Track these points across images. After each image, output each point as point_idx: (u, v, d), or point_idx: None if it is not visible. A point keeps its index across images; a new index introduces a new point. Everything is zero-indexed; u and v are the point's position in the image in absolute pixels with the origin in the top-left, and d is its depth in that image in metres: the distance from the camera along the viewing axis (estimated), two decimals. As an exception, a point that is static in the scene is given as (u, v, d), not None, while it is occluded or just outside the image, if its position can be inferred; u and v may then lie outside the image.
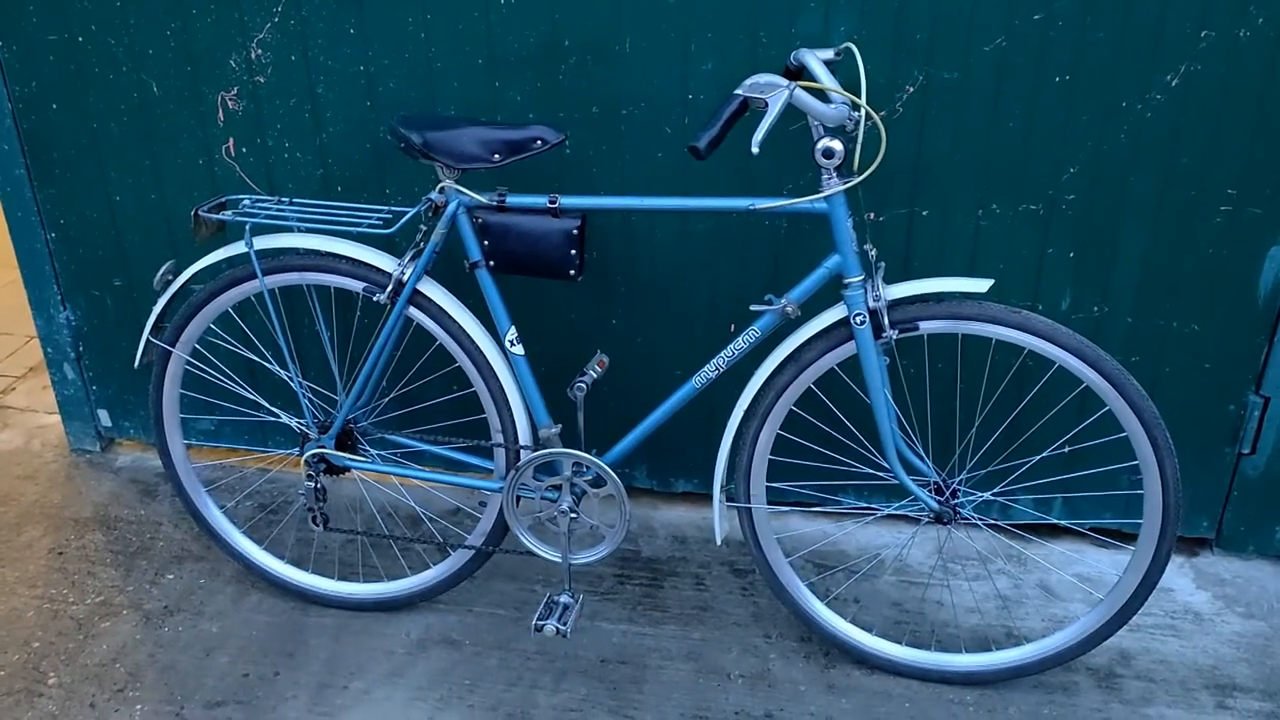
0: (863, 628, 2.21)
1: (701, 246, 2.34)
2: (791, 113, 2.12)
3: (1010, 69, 2.08)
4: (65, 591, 2.45)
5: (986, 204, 2.22)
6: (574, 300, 2.40)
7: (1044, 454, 2.07)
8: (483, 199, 1.99)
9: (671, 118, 2.23)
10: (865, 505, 2.44)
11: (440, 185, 2.00)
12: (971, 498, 2.07)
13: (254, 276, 2.10)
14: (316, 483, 2.20)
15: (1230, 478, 2.40)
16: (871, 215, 2.25)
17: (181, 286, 2.17)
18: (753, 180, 2.24)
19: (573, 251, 1.98)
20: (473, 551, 2.25)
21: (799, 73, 1.92)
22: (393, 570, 2.38)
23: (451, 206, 2.00)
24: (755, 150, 1.64)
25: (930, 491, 2.05)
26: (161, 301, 2.18)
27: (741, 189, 2.24)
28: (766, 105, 1.66)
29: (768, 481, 2.12)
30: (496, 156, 1.94)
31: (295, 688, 2.17)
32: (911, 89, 2.12)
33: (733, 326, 2.39)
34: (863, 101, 1.76)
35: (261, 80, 2.36)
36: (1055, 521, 2.47)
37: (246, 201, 2.13)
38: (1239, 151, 2.08)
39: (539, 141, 1.93)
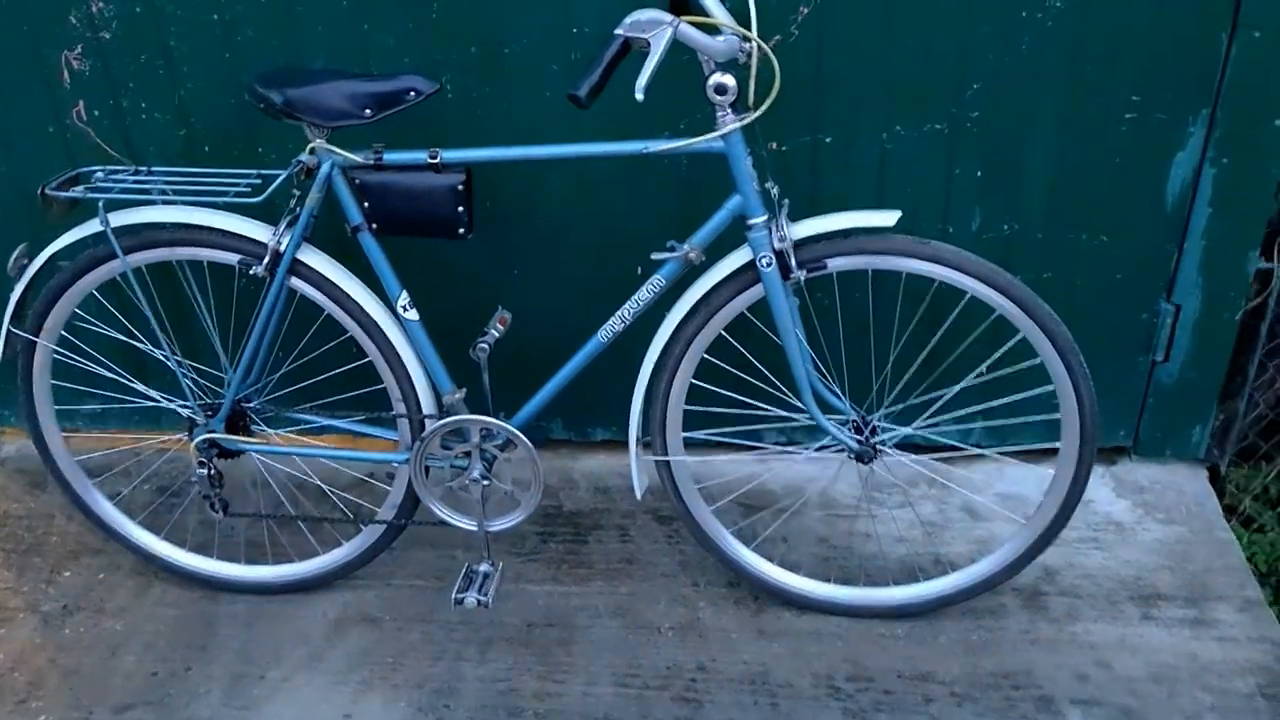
0: (791, 568, 2.18)
1: (601, 189, 2.23)
2: (680, 45, 2.00)
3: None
4: (-47, 600, 2.31)
5: (890, 126, 2.13)
6: (469, 256, 2.28)
7: (962, 384, 2.03)
8: (358, 158, 1.85)
9: (557, 54, 2.09)
10: (788, 446, 2.38)
11: (310, 146, 1.85)
12: (892, 433, 2.02)
13: (116, 256, 1.94)
14: (210, 469, 2.08)
15: (1145, 386, 2.39)
16: (774, 145, 2.15)
17: (42, 269, 2.00)
18: (650, 117, 2.11)
19: (459, 209, 1.86)
20: (385, 526, 2.16)
21: (684, 2, 1.79)
22: (304, 549, 2.28)
23: (324, 168, 1.86)
24: (640, 96, 1.53)
25: (850, 430, 2.00)
26: (18, 289, 2.01)
27: (638, 127, 2.12)
28: (649, 46, 1.54)
29: (686, 430, 2.06)
30: (368, 112, 1.79)
31: (209, 682, 2.07)
32: (806, 10, 2.01)
33: (640, 270, 2.29)
34: (753, 34, 1.65)
35: (106, 36, 2.16)
36: (977, 451, 2.46)
37: (100, 173, 1.96)
38: (1141, 57, 2.02)
39: (412, 93, 1.79)
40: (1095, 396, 1.87)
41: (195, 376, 2.09)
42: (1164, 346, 2.32)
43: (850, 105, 2.11)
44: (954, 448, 2.36)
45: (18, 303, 2.01)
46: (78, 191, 1.89)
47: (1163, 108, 2.07)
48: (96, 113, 2.25)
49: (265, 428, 2.12)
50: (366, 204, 1.88)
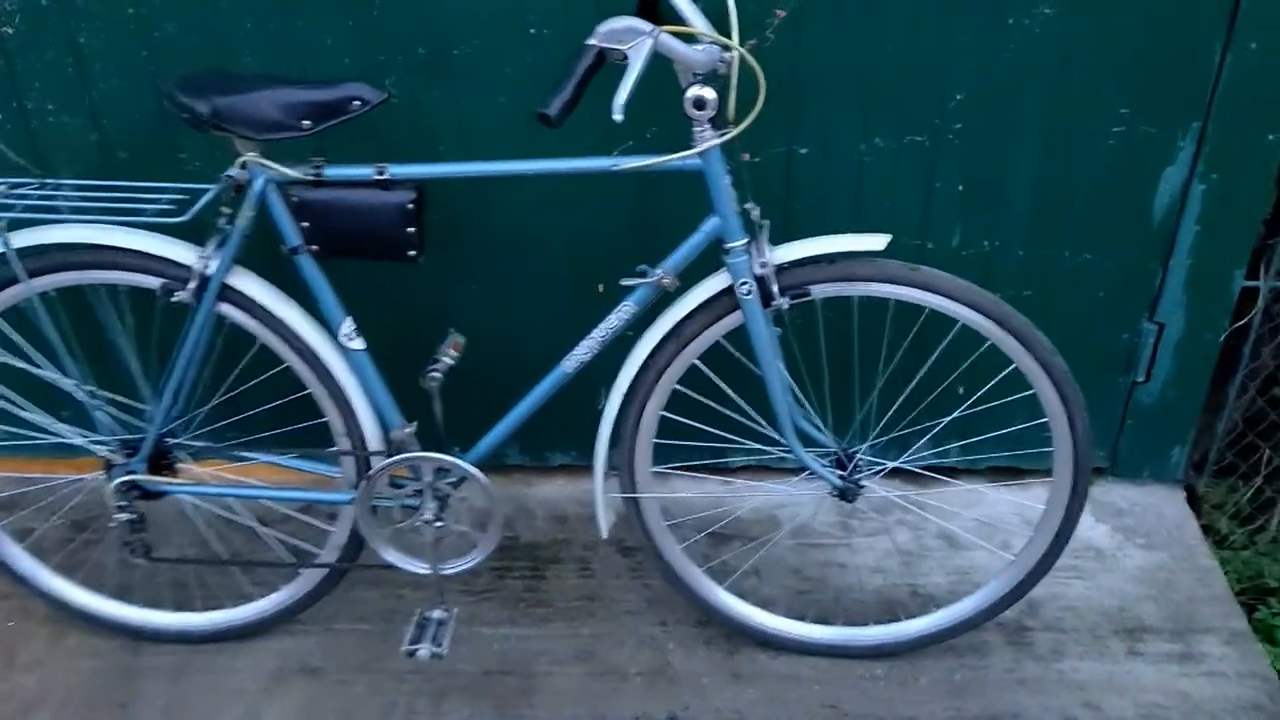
0: (764, 604, 2.06)
1: (564, 198, 2.06)
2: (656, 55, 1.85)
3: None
4: None
5: (869, 138, 2.01)
6: (419, 273, 2.10)
7: (951, 416, 1.92)
8: (295, 174, 1.67)
9: (511, 56, 1.93)
10: (763, 480, 2.24)
11: (240, 159, 1.66)
12: (876, 468, 1.90)
13: (18, 280, 1.73)
14: (130, 512, 1.88)
15: (1124, 406, 2.31)
16: (747, 156, 2.00)
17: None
18: (612, 125, 1.96)
19: (409, 229, 1.69)
20: (326, 570, 1.99)
21: (654, 4, 1.64)
22: (237, 593, 2.09)
23: (257, 184, 1.67)
24: (618, 117, 1.37)
25: (832, 464, 1.88)
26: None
27: (601, 137, 1.96)
28: (626, 58, 1.39)
29: (656, 461, 1.91)
30: (306, 123, 1.61)
31: (132, 748, 1.89)
32: (783, 13, 1.87)
33: (600, 287, 2.13)
34: (734, 43, 1.50)
35: (9, 31, 1.94)
36: (955, 464, 2.36)
37: (1, 186, 1.75)
38: (1131, 68, 1.92)
39: (357, 102, 1.61)
40: (1091, 431, 1.77)
41: (113, 410, 1.89)
42: (1145, 367, 2.24)
43: (827, 115, 1.98)
44: (930, 473, 2.26)
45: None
46: (-27, 211, 1.68)
47: (1152, 120, 1.97)
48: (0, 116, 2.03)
49: (192, 465, 1.93)
50: (305, 224, 1.70)
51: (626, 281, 1.71)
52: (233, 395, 2.01)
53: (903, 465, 1.98)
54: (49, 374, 1.86)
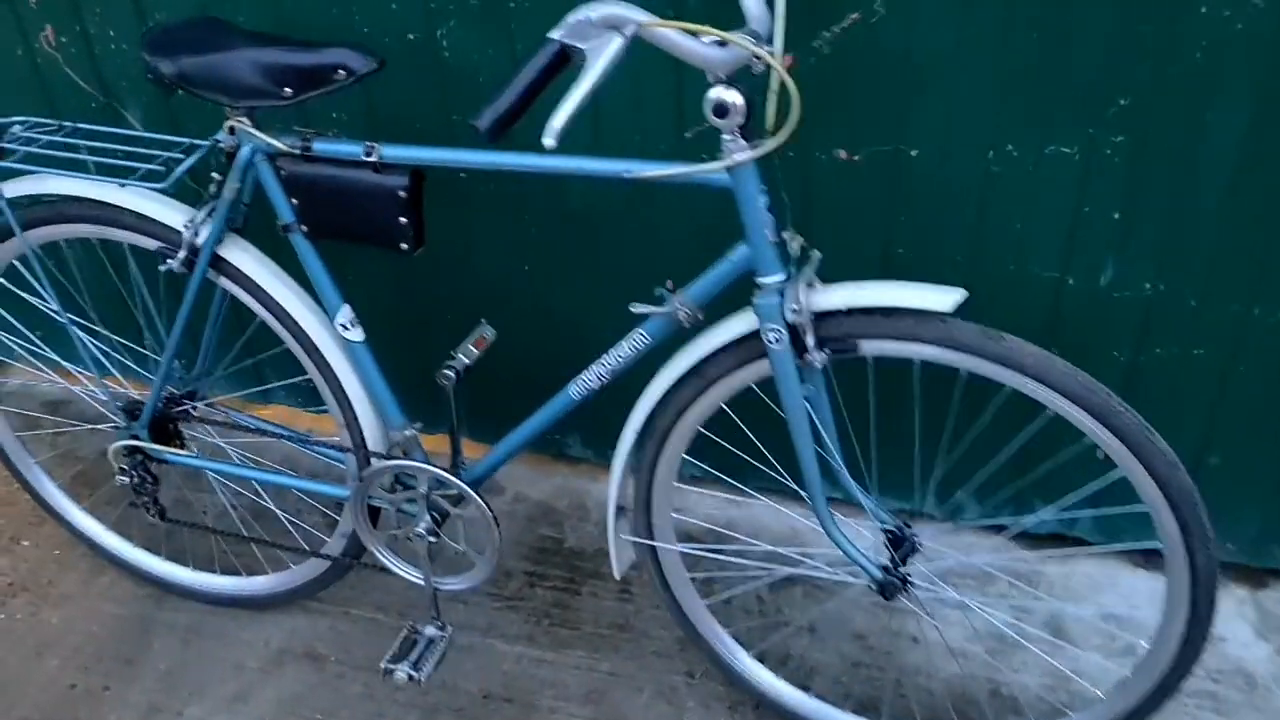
0: (809, 672, 1.78)
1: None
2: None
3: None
4: (-94, 558, 2.16)
5: (1001, 143, 1.59)
6: (447, 250, 1.89)
7: (1037, 519, 1.53)
8: (281, 145, 1.47)
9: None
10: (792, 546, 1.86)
11: (228, 124, 1.49)
12: (936, 562, 1.55)
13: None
14: (134, 476, 1.81)
15: (1316, 503, 1.81)
16: (844, 153, 1.66)
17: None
18: (650, 114, 1.67)
19: (402, 219, 1.47)
20: (330, 561, 1.86)
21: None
22: (252, 565, 2.01)
23: (244, 153, 1.50)
24: (549, 143, 1.08)
25: (884, 542, 1.55)
26: (-66, 249, 1.75)
27: (637, 128, 1.67)
28: (585, 61, 1.08)
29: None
30: (288, 91, 1.41)
31: (122, 709, 1.85)
32: (858, 16, 1.49)
33: (670, 285, 1.84)
34: (764, 50, 1.16)
35: (72, -49, 1.84)
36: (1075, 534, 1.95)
37: (18, 126, 1.65)
38: (1378, 81, 1.41)
39: (341, 71, 1.39)
40: (1216, 560, 1.35)
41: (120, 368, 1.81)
42: (1350, 461, 1.73)
43: (949, 111, 1.59)
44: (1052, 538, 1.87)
45: (-63, 263, 1.76)
46: (-24, 152, 1.59)
47: (1398, 153, 1.46)
48: (64, 39, 1.95)
49: (198, 433, 1.83)
50: (295, 200, 1.51)
51: (637, 307, 1.42)
52: (246, 364, 1.89)
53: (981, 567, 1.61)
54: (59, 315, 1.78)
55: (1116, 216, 1.61)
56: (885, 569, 1.51)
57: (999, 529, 1.94)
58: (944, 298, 1.29)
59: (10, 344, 1.90)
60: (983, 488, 1.85)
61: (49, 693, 1.89)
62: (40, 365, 1.95)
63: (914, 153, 1.63)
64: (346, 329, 1.61)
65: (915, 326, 1.32)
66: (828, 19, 1.53)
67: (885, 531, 1.55)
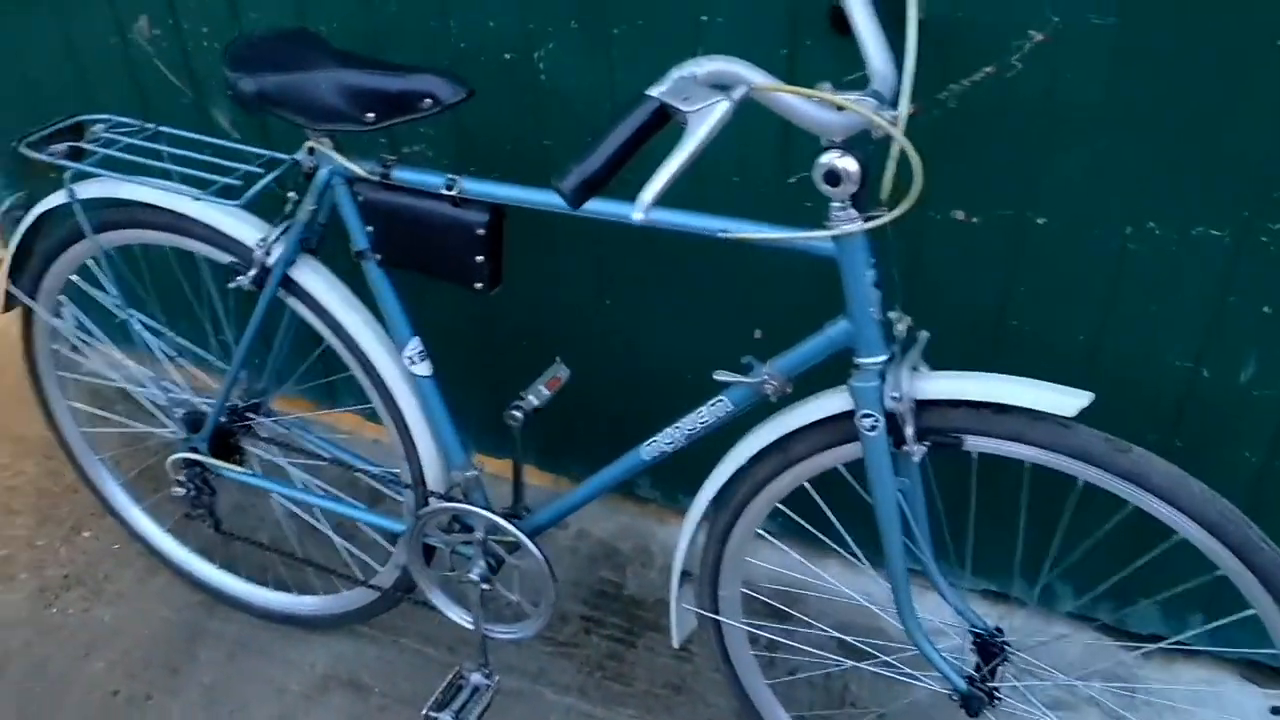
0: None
1: (753, 215, 1.66)
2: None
3: (1201, 19, 1.26)
4: (-29, 538, 2.16)
5: (1141, 218, 1.43)
6: (530, 275, 1.80)
7: (1161, 644, 1.38)
8: (360, 170, 1.40)
9: (675, 45, 1.52)
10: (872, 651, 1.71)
11: (308, 144, 1.41)
12: (1029, 681, 1.41)
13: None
14: (189, 489, 1.76)
15: None
16: (962, 215, 1.52)
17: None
18: (761, 153, 1.54)
19: (479, 257, 1.38)
20: (379, 593, 1.79)
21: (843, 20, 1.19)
22: (304, 582, 1.95)
23: (322, 175, 1.42)
24: (638, 217, 0.97)
25: (971, 645, 1.41)
26: (14, 243, 1.72)
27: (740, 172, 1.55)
28: (686, 125, 0.96)
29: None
30: (370, 116, 1.33)
31: (162, 722, 1.81)
32: (1040, 36, 1.34)
33: (758, 334, 1.73)
34: (886, 118, 1.03)
35: (171, -56, 1.79)
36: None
37: (100, 127, 1.61)
38: None
39: (428, 100, 1.30)
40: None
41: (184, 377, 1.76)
42: None
43: (1086, 178, 1.43)
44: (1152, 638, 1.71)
45: (15, 259, 1.73)
46: (55, 153, 1.54)
47: None
48: (158, 32, 1.90)
49: (258, 450, 1.77)
50: (371, 227, 1.43)
51: (721, 375, 1.31)
52: (313, 384, 1.83)
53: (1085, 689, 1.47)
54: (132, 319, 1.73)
55: (1267, 310, 1.44)
56: (971, 679, 1.37)
57: (1093, 619, 1.79)
58: (1067, 400, 1.15)
59: (83, 340, 1.87)
60: (1080, 576, 1.70)
61: (91, 696, 1.86)
62: (112, 362, 1.91)
63: (1041, 220, 1.48)
64: (414, 363, 1.53)
65: (1030, 428, 1.18)
66: (958, 71, 1.39)
67: (973, 633, 1.42)
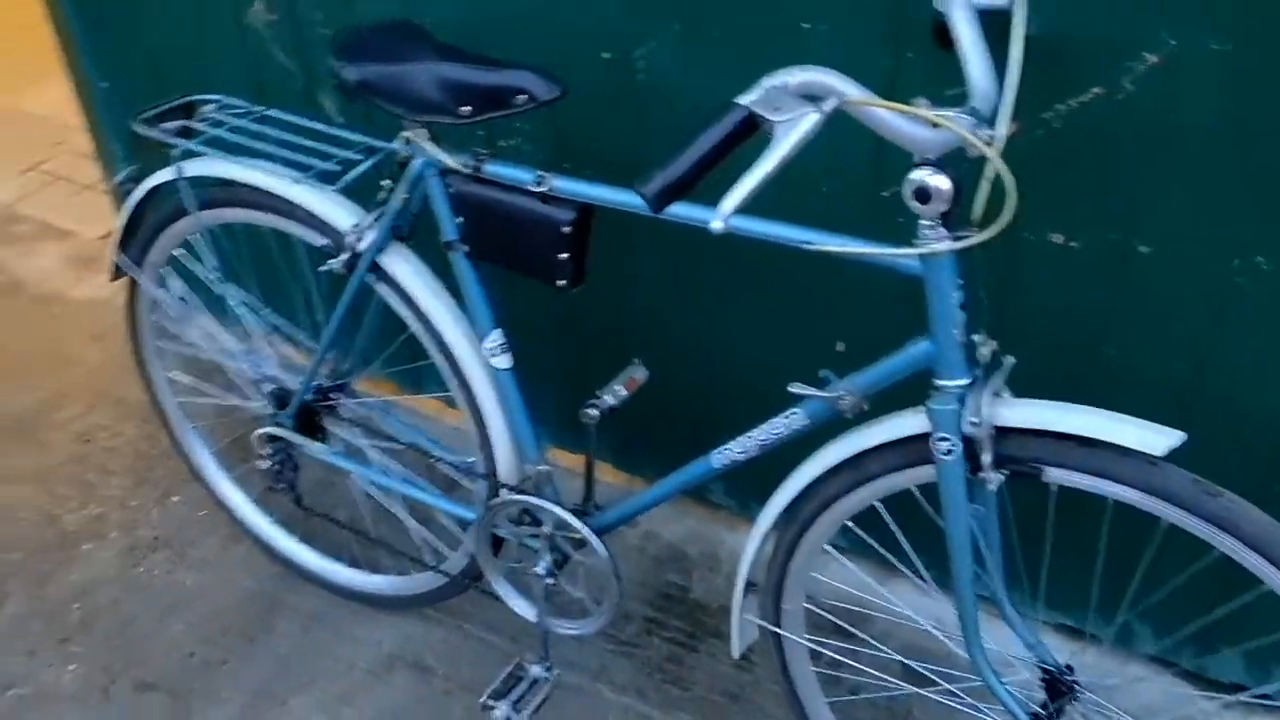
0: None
1: (843, 222, 1.64)
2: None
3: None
4: (69, 493, 2.26)
5: (1249, 251, 1.37)
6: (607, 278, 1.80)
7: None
8: (453, 162, 1.42)
9: (772, 50, 1.51)
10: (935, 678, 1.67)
11: (404, 134, 1.44)
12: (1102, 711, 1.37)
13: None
14: (273, 464, 1.81)
15: None
16: (1061, 238, 1.47)
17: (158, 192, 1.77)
18: (851, 159, 1.52)
19: (563, 254, 1.39)
20: (447, 578, 1.81)
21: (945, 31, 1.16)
22: (377, 562, 1.99)
23: (416, 165, 1.45)
24: (718, 227, 0.96)
25: (1039, 681, 1.37)
26: (124, 215, 1.79)
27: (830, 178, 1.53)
28: (773, 135, 0.95)
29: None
30: (465, 109, 1.34)
31: (234, 688, 1.87)
32: (1155, 59, 1.29)
33: (841, 346, 1.71)
34: (982, 138, 1.00)
35: (291, -69, 1.84)
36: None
37: (210, 107, 1.66)
38: None
39: (522, 96, 1.32)
40: None
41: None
42: None
43: (1195, 206, 1.38)
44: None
45: (125, 230, 1.79)
46: (166, 130, 1.60)
47: None
48: (274, 16, 1.96)
49: (340, 430, 1.81)
50: (460, 219, 1.45)
51: (796, 388, 1.29)
52: (398, 369, 1.86)
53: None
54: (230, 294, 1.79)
55: (1378, 355, 1.37)
56: (1036, 716, 1.34)
57: (1172, 664, 1.73)
58: (1156, 438, 1.11)
59: (183, 312, 1.94)
60: (1160, 617, 1.64)
61: (171, 656, 1.92)
62: (208, 335, 1.97)
63: (1144, 248, 1.43)
64: (494, 355, 1.54)
65: (1116, 464, 1.14)
66: (1065, 91, 1.35)
67: (1043, 669, 1.38)
